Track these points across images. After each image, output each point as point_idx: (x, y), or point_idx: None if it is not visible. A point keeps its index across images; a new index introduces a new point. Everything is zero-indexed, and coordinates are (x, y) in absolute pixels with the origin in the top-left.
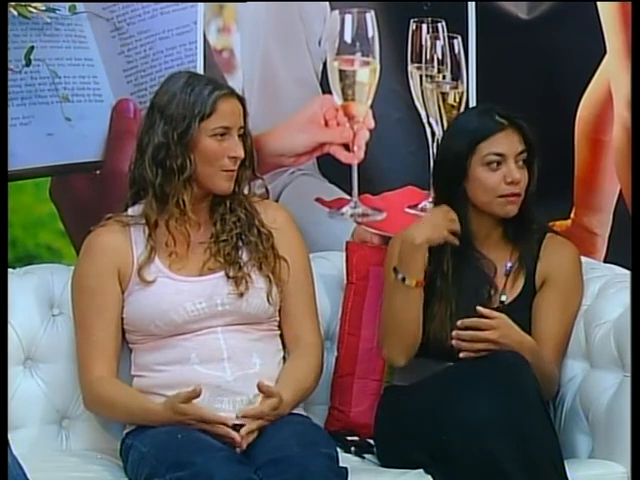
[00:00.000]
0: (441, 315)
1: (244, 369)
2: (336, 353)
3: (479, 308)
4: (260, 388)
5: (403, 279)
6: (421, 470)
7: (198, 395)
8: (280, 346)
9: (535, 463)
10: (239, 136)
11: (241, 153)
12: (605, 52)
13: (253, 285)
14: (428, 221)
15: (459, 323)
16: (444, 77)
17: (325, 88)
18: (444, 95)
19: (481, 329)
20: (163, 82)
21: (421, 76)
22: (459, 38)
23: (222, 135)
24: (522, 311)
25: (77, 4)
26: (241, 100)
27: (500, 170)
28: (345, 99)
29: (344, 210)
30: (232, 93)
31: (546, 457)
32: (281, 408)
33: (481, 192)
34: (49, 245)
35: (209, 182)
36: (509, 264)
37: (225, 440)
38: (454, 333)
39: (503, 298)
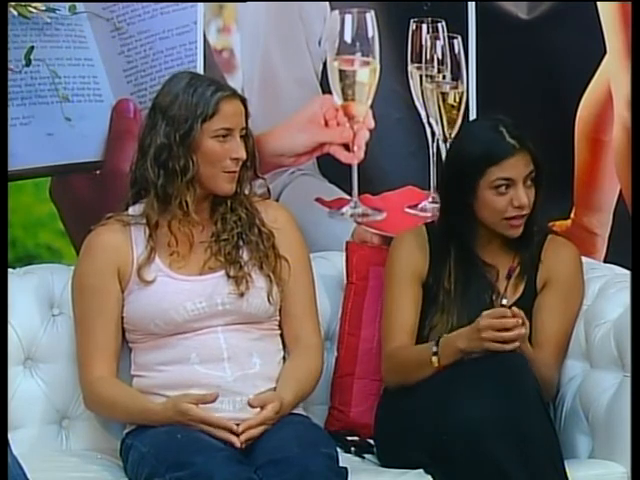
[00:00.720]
0: (443, 323)
1: (244, 369)
2: (336, 353)
3: (501, 310)
4: (252, 405)
5: (434, 353)
6: (421, 470)
7: (212, 401)
8: (280, 346)
9: (535, 463)
10: (241, 137)
11: (243, 154)
12: (605, 52)
13: (253, 285)
14: (474, 335)
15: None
16: (444, 77)
17: (325, 88)
18: (444, 95)
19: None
20: (165, 83)
21: (421, 76)
22: (459, 38)
23: (224, 136)
24: (523, 314)
25: (77, 4)
26: (243, 101)
27: (508, 194)
28: (345, 99)
29: (344, 210)
30: (234, 94)
31: (546, 457)
32: (282, 409)
33: (488, 213)
34: (49, 245)
35: (211, 183)
36: (511, 268)
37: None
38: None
39: (504, 301)
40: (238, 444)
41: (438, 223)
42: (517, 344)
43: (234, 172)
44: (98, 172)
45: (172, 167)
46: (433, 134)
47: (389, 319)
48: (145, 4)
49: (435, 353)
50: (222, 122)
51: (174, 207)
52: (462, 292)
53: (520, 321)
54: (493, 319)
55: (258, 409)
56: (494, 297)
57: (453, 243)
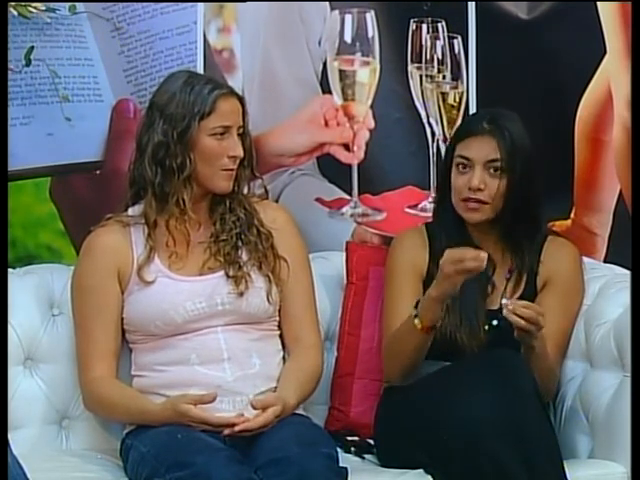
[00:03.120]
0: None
1: (244, 369)
2: (336, 353)
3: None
4: (254, 406)
5: (415, 316)
6: (421, 470)
7: (211, 401)
8: (280, 346)
9: (534, 462)
10: (238, 135)
11: (240, 152)
12: (605, 52)
13: (253, 284)
14: (440, 276)
15: (521, 303)
16: (444, 77)
17: (325, 88)
18: (444, 95)
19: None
20: (162, 82)
21: (421, 76)
22: (459, 38)
23: (222, 134)
24: None
25: (77, 4)
26: (240, 99)
27: (467, 174)
28: (345, 99)
29: (344, 210)
30: (232, 92)
31: (545, 456)
32: (285, 412)
33: (453, 193)
34: (49, 245)
35: (208, 181)
36: (510, 268)
37: (223, 436)
38: (510, 304)
39: (504, 301)
40: (226, 432)
41: (433, 215)
42: (482, 265)
43: (231, 170)
44: (98, 172)
45: (169, 165)
46: (433, 134)
47: (389, 317)
48: (145, 4)
49: (416, 315)
50: (219, 120)
51: (171, 205)
52: None
53: (482, 255)
54: (452, 252)
55: (259, 410)
56: (490, 290)
57: (448, 232)
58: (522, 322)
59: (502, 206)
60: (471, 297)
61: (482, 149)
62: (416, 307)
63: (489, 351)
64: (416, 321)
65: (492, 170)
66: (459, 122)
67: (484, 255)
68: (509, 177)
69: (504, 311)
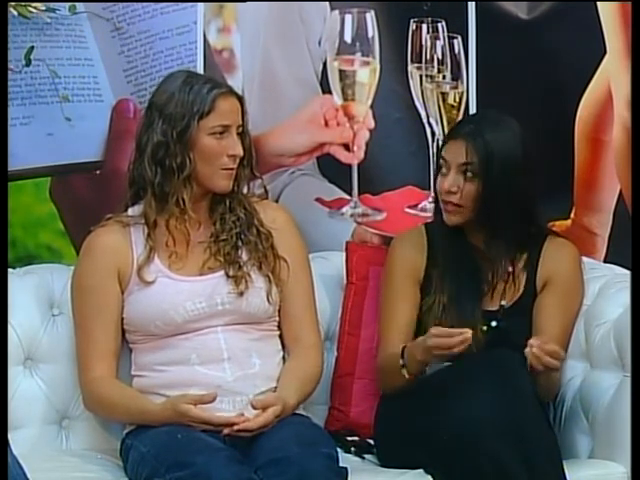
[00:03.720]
0: (435, 307)
1: (244, 369)
2: (336, 353)
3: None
4: (254, 406)
5: (403, 366)
6: (421, 470)
7: (212, 401)
8: (280, 346)
9: (534, 462)
10: (238, 134)
11: (240, 151)
12: (605, 52)
13: (253, 284)
14: (426, 347)
15: (549, 348)
16: (444, 77)
17: (325, 88)
18: (444, 95)
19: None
20: (161, 82)
21: (421, 76)
22: (459, 38)
23: (221, 133)
24: (522, 315)
25: (77, 4)
26: (239, 98)
27: (445, 177)
28: (345, 99)
29: (344, 210)
30: (230, 91)
31: (545, 456)
32: (285, 412)
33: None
34: (49, 245)
35: (208, 181)
36: (509, 269)
37: (223, 436)
38: (535, 346)
39: (503, 302)
40: (225, 431)
41: (434, 215)
42: (467, 345)
43: (231, 169)
44: (98, 172)
45: (169, 165)
46: (433, 134)
47: (385, 319)
48: (145, 4)
49: (403, 366)
50: (219, 119)
51: (171, 205)
52: (455, 273)
53: (468, 336)
54: (439, 339)
55: (259, 410)
56: (486, 289)
57: (446, 233)
58: (551, 362)
59: (481, 209)
60: (469, 299)
61: (456, 152)
62: (402, 356)
63: (488, 352)
64: (403, 371)
65: (468, 174)
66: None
67: (469, 336)
68: (484, 181)
69: (528, 355)
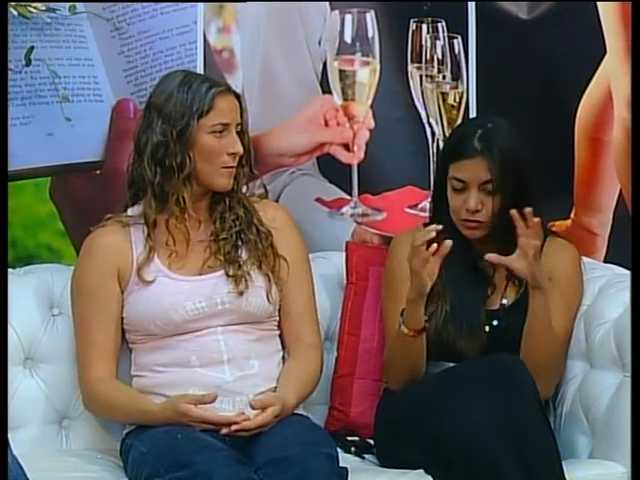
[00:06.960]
0: (438, 315)
1: (243, 370)
2: (336, 353)
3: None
4: (253, 406)
5: (402, 323)
6: (421, 470)
7: (212, 401)
8: (279, 346)
9: (533, 462)
10: (237, 133)
11: (240, 149)
12: (605, 52)
13: (253, 284)
14: (410, 275)
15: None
16: (444, 77)
17: (325, 88)
18: (444, 95)
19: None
20: (158, 82)
21: (421, 76)
22: (459, 38)
23: (220, 132)
24: (523, 314)
25: (77, 4)
26: (237, 97)
27: (463, 195)
28: (345, 99)
29: (344, 210)
30: (229, 90)
31: (544, 456)
32: (285, 411)
33: (451, 211)
34: (49, 245)
35: (208, 179)
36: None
37: (222, 435)
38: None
39: (504, 301)
40: (224, 431)
41: (430, 219)
42: (430, 235)
43: (231, 167)
44: (98, 172)
45: (169, 164)
46: (433, 134)
47: (388, 322)
48: (145, 4)
49: (402, 322)
50: (218, 117)
51: (171, 204)
52: (457, 280)
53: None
54: (420, 233)
55: (258, 410)
56: (490, 291)
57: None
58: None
59: (499, 220)
60: (471, 300)
61: (475, 172)
62: (402, 315)
63: (489, 354)
64: (403, 327)
65: (487, 190)
66: (459, 122)
67: (433, 227)
68: (503, 194)
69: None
